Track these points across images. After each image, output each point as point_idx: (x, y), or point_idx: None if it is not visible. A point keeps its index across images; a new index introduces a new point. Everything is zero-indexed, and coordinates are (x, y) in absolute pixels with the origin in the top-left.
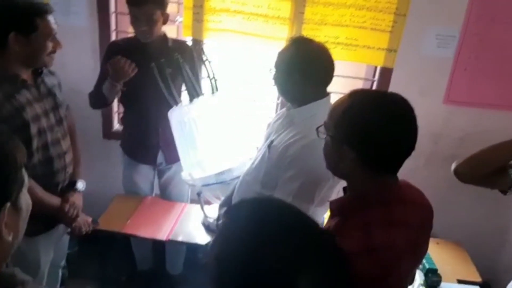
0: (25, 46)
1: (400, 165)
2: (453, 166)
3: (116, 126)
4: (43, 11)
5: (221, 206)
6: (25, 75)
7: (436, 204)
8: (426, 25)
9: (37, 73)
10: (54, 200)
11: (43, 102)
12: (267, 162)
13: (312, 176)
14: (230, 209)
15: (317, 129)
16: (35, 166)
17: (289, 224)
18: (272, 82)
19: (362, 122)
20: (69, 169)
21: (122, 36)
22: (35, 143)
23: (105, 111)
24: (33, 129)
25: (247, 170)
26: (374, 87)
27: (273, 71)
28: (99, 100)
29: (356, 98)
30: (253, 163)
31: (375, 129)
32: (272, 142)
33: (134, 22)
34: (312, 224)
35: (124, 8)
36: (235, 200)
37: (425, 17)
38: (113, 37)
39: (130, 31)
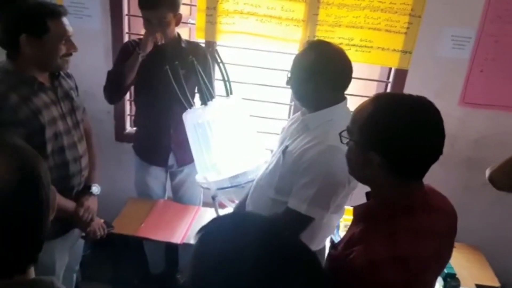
0: (37, 49)
1: (426, 170)
2: (487, 173)
3: (129, 128)
4: (55, 13)
5: (235, 211)
6: (42, 77)
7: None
8: (441, 26)
9: (54, 76)
10: (69, 204)
11: (60, 105)
12: (282, 167)
13: (328, 183)
14: (204, 228)
15: (340, 134)
16: (51, 170)
17: (267, 244)
18: (288, 86)
19: (387, 127)
20: (85, 173)
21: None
22: (50, 146)
23: (118, 113)
24: (49, 132)
25: (261, 174)
26: (388, 89)
27: (289, 75)
28: (115, 83)
29: (381, 102)
30: (267, 168)
31: (401, 134)
32: (287, 147)
33: (147, 25)
34: (294, 242)
35: (137, 10)
36: (248, 205)
37: (440, 18)
38: (126, 39)
39: (143, 33)
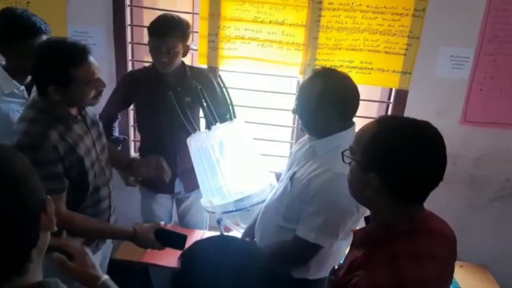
0: (66, 95)
1: (427, 194)
2: None
3: (133, 154)
4: (78, 59)
5: (243, 236)
6: (73, 110)
7: (457, 226)
8: (439, 46)
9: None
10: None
11: (91, 133)
12: (289, 195)
13: (336, 211)
14: (185, 253)
15: (342, 153)
16: (85, 197)
17: (247, 268)
18: (296, 114)
19: (389, 150)
20: (113, 195)
21: (138, 65)
22: (91, 175)
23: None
24: (87, 162)
25: (268, 200)
26: (390, 110)
27: (296, 104)
28: (107, 127)
29: (384, 124)
30: (275, 194)
31: (403, 157)
32: (294, 173)
33: (155, 52)
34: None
35: (140, 38)
36: (257, 231)
37: (438, 39)
38: (130, 67)
39: (146, 60)
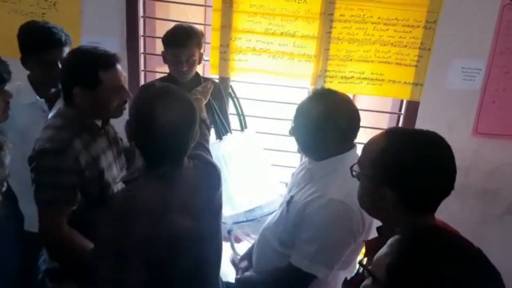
0: (90, 100)
1: (438, 205)
2: None
3: None
4: (107, 64)
5: (241, 259)
6: (99, 122)
7: (469, 239)
8: (451, 58)
9: (105, 120)
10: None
11: (112, 149)
12: (285, 219)
13: (329, 241)
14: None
15: (351, 168)
16: None
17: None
18: (292, 135)
19: (403, 163)
20: None
21: (150, 75)
22: (111, 191)
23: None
24: (108, 177)
25: (267, 223)
26: (401, 121)
27: (293, 125)
28: None
29: (394, 137)
30: (274, 217)
31: (417, 170)
32: (292, 197)
33: (174, 62)
34: None
35: (152, 48)
36: (254, 254)
37: (450, 50)
38: (142, 77)
39: (158, 71)
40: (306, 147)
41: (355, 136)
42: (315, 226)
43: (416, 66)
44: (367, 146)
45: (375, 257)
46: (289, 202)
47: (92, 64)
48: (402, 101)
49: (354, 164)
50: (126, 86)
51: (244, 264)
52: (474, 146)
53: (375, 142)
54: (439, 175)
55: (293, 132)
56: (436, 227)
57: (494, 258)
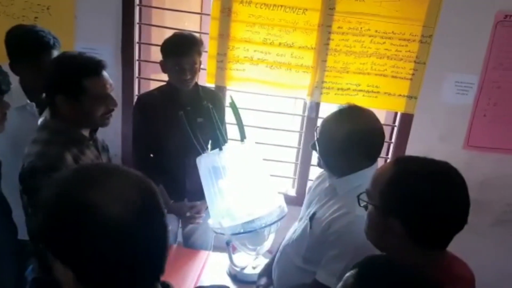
0: (74, 109)
1: (450, 239)
2: None
3: None
4: (92, 71)
5: (260, 276)
6: (85, 132)
7: (458, 251)
8: (445, 72)
9: (93, 130)
10: None
11: (101, 159)
12: (310, 236)
13: (359, 256)
14: None
15: (358, 196)
16: None
17: None
18: (314, 150)
19: (409, 194)
20: None
21: (144, 83)
22: None
23: (125, 157)
24: None
25: (287, 239)
26: (395, 133)
27: (317, 141)
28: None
29: (401, 166)
30: (294, 233)
31: (424, 201)
32: (314, 214)
33: (177, 71)
34: None
35: (147, 55)
36: (275, 270)
37: (444, 65)
38: (136, 84)
39: (152, 78)
40: (329, 164)
41: (379, 153)
42: (342, 243)
43: (411, 79)
44: (375, 176)
45: None
46: (311, 218)
47: (76, 71)
48: (396, 113)
49: (362, 193)
50: (113, 93)
51: (263, 281)
52: (465, 159)
53: (383, 171)
54: (449, 207)
55: (317, 147)
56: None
57: (482, 269)
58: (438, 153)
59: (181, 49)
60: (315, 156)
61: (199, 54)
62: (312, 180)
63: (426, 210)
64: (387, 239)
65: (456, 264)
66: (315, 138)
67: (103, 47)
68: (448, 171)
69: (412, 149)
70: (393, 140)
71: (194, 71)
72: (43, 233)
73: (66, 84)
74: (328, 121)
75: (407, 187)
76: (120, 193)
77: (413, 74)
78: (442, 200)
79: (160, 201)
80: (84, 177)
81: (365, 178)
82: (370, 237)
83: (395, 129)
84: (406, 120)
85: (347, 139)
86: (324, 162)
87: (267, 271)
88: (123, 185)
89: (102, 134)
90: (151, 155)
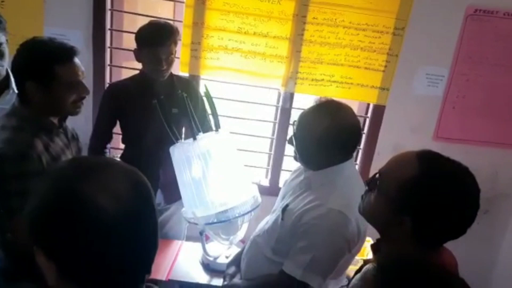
0: (45, 96)
1: (450, 240)
2: None
3: None
4: (63, 58)
5: (229, 265)
6: (55, 120)
7: None
8: (417, 65)
9: (62, 118)
10: None
11: (71, 147)
12: (280, 227)
13: (326, 250)
14: None
15: (369, 181)
16: None
17: None
18: (291, 144)
19: (431, 198)
20: None
21: (116, 70)
22: None
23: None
24: None
25: (258, 229)
26: (367, 123)
27: (294, 135)
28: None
29: (426, 166)
30: (266, 224)
31: (444, 207)
32: (287, 205)
33: (153, 61)
34: None
35: (118, 43)
36: (244, 259)
37: (416, 57)
38: (107, 72)
39: (124, 66)
40: (305, 158)
41: (355, 148)
42: (311, 235)
43: (383, 71)
44: (395, 165)
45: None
46: (284, 209)
47: (48, 58)
48: (368, 104)
49: (376, 174)
50: (85, 81)
51: (232, 270)
52: (434, 150)
53: (406, 164)
54: (467, 216)
55: (293, 141)
56: (421, 261)
57: (463, 263)
58: (408, 144)
59: (158, 39)
60: (289, 147)
61: (175, 43)
62: (285, 170)
63: (444, 215)
64: (393, 232)
65: (444, 252)
66: (293, 132)
67: (73, 33)
68: (470, 177)
69: (384, 140)
70: (365, 130)
71: (170, 61)
72: (32, 223)
73: (37, 70)
74: (306, 115)
75: (430, 190)
76: (113, 188)
77: (385, 66)
78: (461, 206)
79: (152, 197)
80: (77, 170)
81: (340, 173)
82: (373, 222)
83: (367, 120)
84: (378, 111)
85: (325, 134)
86: (301, 156)
87: (236, 260)
88: (116, 179)
89: (72, 123)
90: (124, 146)
